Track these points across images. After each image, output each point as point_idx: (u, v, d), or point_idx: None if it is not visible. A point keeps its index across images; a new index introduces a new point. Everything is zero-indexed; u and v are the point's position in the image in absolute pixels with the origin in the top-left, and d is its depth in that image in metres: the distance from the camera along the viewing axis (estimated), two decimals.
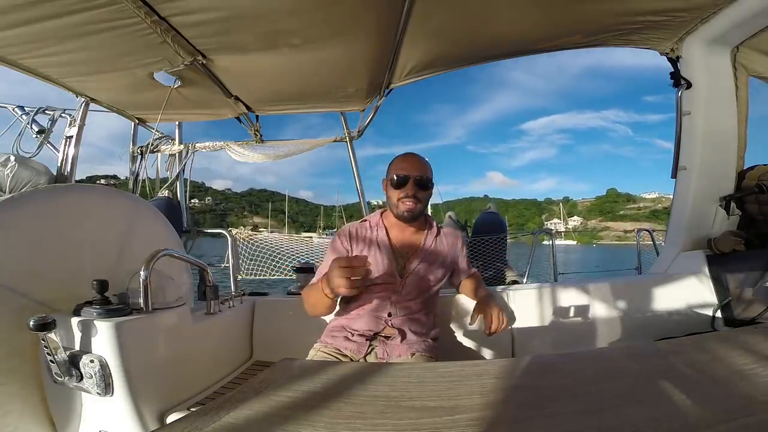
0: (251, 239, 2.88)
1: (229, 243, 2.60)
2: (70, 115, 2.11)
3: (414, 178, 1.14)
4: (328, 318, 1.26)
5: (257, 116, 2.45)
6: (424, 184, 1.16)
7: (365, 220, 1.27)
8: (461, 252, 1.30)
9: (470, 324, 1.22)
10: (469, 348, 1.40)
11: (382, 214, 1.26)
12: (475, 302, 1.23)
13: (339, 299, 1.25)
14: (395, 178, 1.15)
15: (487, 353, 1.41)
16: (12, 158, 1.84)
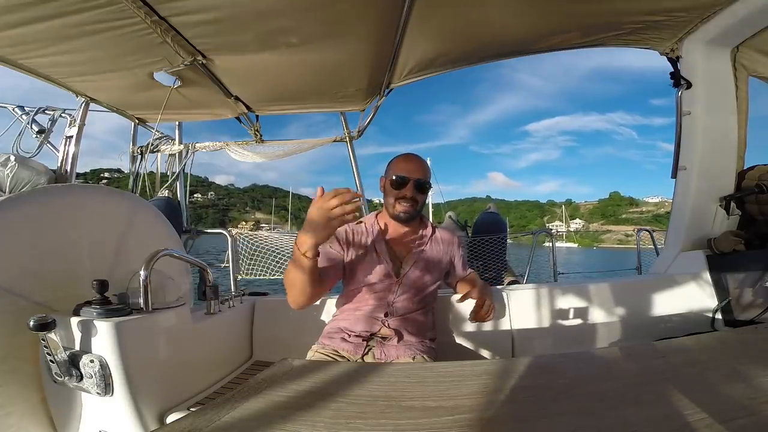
0: (252, 238, 2.88)
1: (229, 243, 2.60)
2: (70, 115, 2.11)
3: (414, 180, 1.14)
4: (326, 319, 1.26)
5: (257, 116, 2.45)
6: (422, 187, 1.16)
7: (360, 222, 1.26)
8: (457, 252, 1.29)
9: (458, 301, 1.22)
10: (469, 348, 1.40)
11: (377, 215, 1.26)
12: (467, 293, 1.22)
13: (336, 299, 1.25)
14: (395, 178, 1.15)
15: (486, 353, 1.41)
16: (12, 158, 1.84)
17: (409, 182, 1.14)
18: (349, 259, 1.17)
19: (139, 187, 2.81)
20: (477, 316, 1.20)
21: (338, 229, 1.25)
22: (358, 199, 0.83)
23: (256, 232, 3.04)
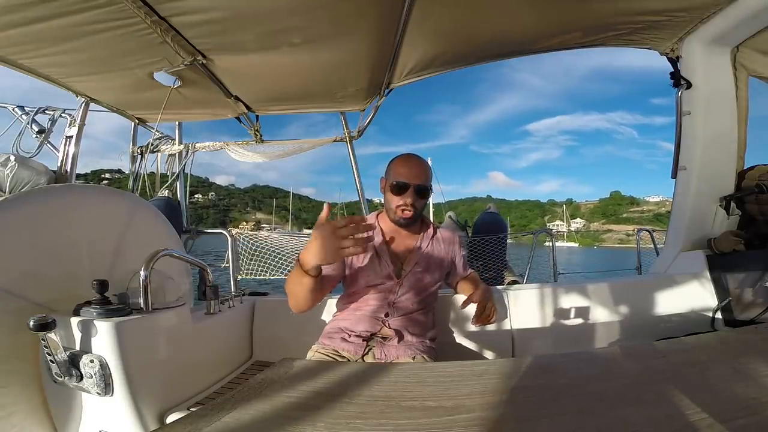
0: (252, 238, 2.88)
1: (229, 243, 2.60)
2: (70, 115, 2.11)
3: (414, 186, 1.12)
4: (327, 319, 1.26)
5: (257, 116, 2.45)
6: (423, 192, 1.14)
7: None
8: (458, 252, 1.29)
9: (461, 307, 1.22)
10: (469, 348, 1.40)
11: (378, 215, 1.26)
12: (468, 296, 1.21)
13: (337, 299, 1.25)
14: (395, 183, 1.13)
15: (487, 353, 1.41)
16: (12, 158, 1.84)
17: (410, 188, 1.12)
18: (351, 261, 1.17)
19: (139, 187, 2.81)
20: (479, 320, 1.19)
21: None
22: (371, 232, 0.79)
23: (256, 232, 3.04)
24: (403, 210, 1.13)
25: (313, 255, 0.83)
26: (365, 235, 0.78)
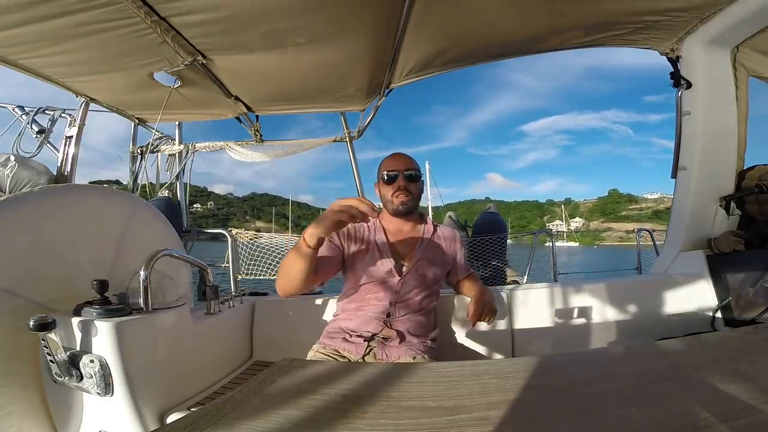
0: (252, 241, 2.88)
1: (229, 243, 2.60)
2: (70, 115, 2.11)
3: (403, 172, 1.19)
4: (327, 318, 1.26)
5: (257, 116, 2.45)
6: (413, 177, 1.21)
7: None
8: (459, 250, 1.30)
9: (466, 321, 1.22)
10: (469, 348, 1.40)
11: (378, 214, 1.27)
12: (471, 298, 1.23)
13: (337, 299, 1.25)
14: (386, 175, 1.20)
15: (487, 353, 1.41)
16: (12, 158, 1.84)
17: (399, 175, 1.19)
18: (351, 257, 1.17)
19: (139, 188, 2.81)
20: (476, 320, 1.19)
21: None
22: (375, 215, 0.87)
23: (256, 233, 3.05)
24: (398, 196, 1.19)
25: (315, 224, 0.89)
26: (365, 214, 0.85)
